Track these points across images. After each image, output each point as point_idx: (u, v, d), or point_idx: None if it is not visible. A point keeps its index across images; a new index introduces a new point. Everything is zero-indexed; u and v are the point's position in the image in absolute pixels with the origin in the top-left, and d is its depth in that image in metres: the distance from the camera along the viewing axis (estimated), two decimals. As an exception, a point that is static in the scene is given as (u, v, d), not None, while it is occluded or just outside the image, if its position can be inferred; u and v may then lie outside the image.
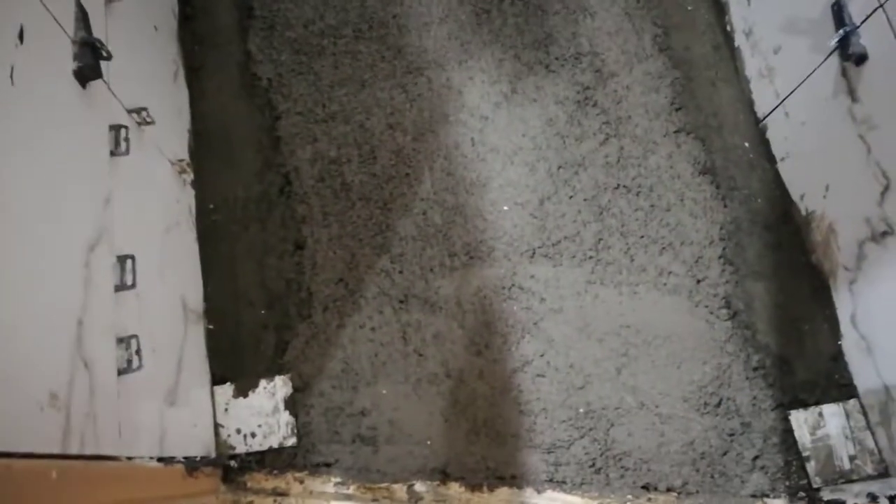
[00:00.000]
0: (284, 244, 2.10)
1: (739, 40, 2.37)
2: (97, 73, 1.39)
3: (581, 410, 1.97)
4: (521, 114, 2.32)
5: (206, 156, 2.16)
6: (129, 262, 1.38)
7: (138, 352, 1.33)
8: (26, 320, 1.01)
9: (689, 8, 2.52)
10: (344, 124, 2.26)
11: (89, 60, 1.35)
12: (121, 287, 1.35)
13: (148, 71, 1.84)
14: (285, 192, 2.16)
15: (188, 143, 2.10)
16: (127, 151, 1.48)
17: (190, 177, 2.03)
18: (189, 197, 2.02)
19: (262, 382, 1.93)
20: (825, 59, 1.91)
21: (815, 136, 2.05)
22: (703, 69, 2.43)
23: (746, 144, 2.32)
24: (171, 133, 1.94)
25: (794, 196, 2.18)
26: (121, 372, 1.28)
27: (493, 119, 2.31)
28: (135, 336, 1.34)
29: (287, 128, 2.23)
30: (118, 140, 1.46)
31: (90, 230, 1.28)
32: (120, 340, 1.31)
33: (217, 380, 1.94)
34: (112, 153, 1.44)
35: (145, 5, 1.90)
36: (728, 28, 2.43)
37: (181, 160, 1.95)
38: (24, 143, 1.09)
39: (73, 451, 1.06)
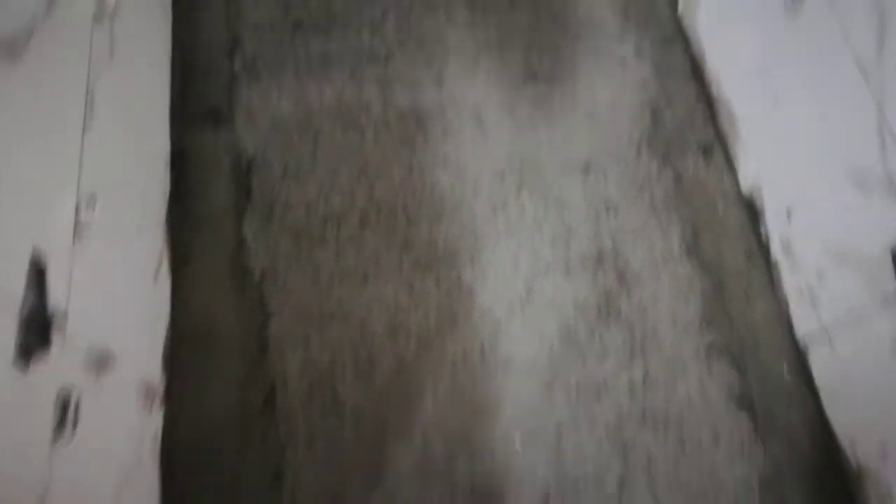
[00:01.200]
0: (262, 476, 1.82)
1: (776, 253, 2.18)
2: (46, 343, 1.16)
3: None
4: (537, 320, 2.10)
5: (182, 364, 1.90)
6: None
7: None
8: None
9: (720, 206, 2.36)
10: (341, 326, 2.03)
11: (36, 337, 1.13)
12: None
13: (121, 296, 1.62)
14: (267, 410, 1.90)
15: (162, 351, 1.85)
16: (74, 428, 1.23)
17: (159, 396, 1.77)
18: (155, 423, 1.76)
19: None
20: (883, 311, 1.71)
21: (868, 388, 1.82)
22: (735, 277, 2.24)
23: (785, 369, 2.09)
24: (142, 356, 1.70)
25: (843, 443, 1.93)
26: None
27: (506, 324, 2.09)
28: None
29: (276, 330, 2.00)
30: (64, 419, 1.21)
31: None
32: None
33: None
34: (54, 438, 1.19)
35: (123, 211, 1.70)
36: (763, 237, 2.25)
37: (150, 383, 1.70)
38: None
39: None
